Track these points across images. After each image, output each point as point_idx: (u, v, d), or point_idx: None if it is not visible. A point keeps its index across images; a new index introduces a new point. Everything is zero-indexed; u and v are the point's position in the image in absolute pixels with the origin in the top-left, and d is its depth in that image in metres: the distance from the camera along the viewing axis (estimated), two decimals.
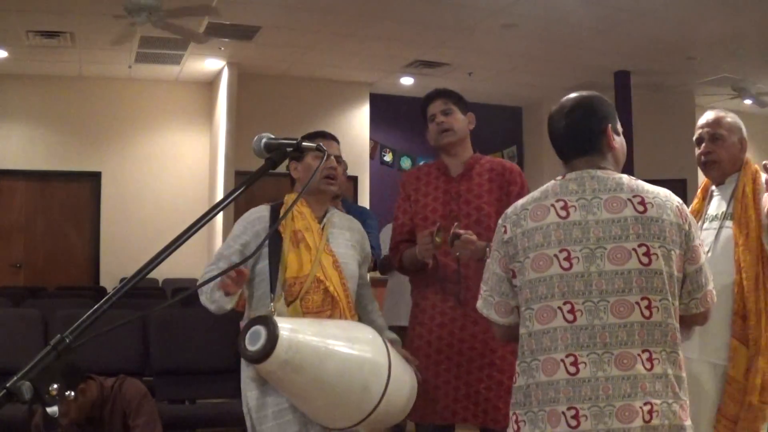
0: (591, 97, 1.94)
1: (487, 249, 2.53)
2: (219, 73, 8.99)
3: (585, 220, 1.69)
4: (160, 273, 8.24)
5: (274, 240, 2.39)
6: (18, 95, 8.84)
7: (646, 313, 1.64)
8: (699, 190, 2.72)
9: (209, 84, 9.52)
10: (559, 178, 1.82)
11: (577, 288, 1.66)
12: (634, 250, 1.66)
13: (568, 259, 1.68)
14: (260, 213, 2.50)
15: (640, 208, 1.69)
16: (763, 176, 2.45)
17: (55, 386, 1.04)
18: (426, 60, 8.58)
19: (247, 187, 1.52)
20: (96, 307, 1.15)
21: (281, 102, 9.16)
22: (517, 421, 1.71)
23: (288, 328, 1.96)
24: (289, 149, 1.56)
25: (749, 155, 2.66)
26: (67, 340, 1.07)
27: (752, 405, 2.30)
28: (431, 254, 2.62)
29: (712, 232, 2.53)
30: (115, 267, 8.68)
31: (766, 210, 2.33)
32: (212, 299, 2.27)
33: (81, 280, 8.85)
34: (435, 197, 2.79)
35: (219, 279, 2.16)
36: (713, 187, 2.66)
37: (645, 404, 1.60)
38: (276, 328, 1.92)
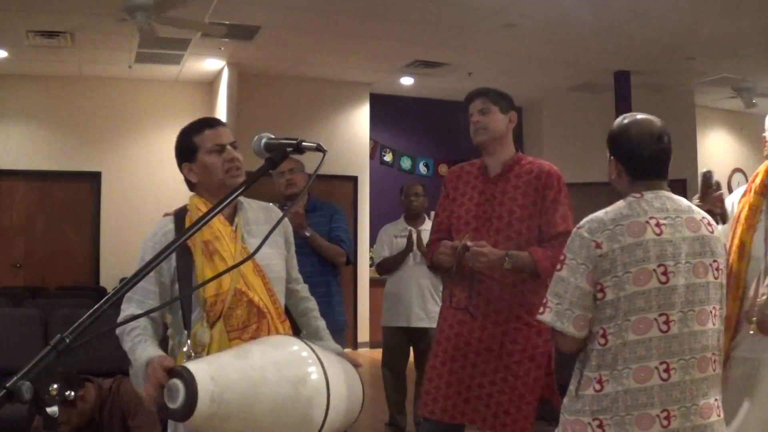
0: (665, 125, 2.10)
1: (507, 258, 2.53)
2: (219, 73, 8.99)
3: (674, 238, 1.87)
4: None
5: (183, 256, 2.05)
6: (18, 95, 8.84)
7: (716, 321, 1.90)
8: (757, 184, 2.57)
9: (209, 84, 9.52)
10: (638, 195, 1.93)
11: (672, 300, 1.83)
12: (711, 265, 1.90)
13: (665, 273, 1.84)
14: (165, 227, 2.16)
15: (710, 228, 1.95)
16: None
17: (55, 386, 1.04)
18: (426, 60, 8.58)
19: (247, 187, 1.53)
20: (96, 307, 1.15)
21: (281, 102, 9.16)
22: (601, 426, 1.82)
23: (207, 376, 1.71)
24: (289, 149, 1.56)
25: (749, 154, 2.65)
26: (67, 340, 1.08)
27: None
28: (450, 263, 2.62)
29: None
30: (115, 267, 8.67)
31: None
32: (134, 365, 1.94)
33: (81, 280, 8.85)
34: (471, 197, 2.79)
35: (145, 377, 1.84)
36: None
37: (715, 400, 1.87)
38: (194, 382, 1.67)
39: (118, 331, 1.97)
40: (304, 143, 1.56)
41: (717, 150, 10.65)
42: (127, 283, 1.27)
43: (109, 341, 4.31)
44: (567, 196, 2.76)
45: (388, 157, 10.23)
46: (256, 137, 1.61)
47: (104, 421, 3.36)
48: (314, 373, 1.87)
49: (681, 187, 9.34)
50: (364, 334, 9.47)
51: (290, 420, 1.83)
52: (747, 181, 2.66)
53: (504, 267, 2.57)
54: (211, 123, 2.25)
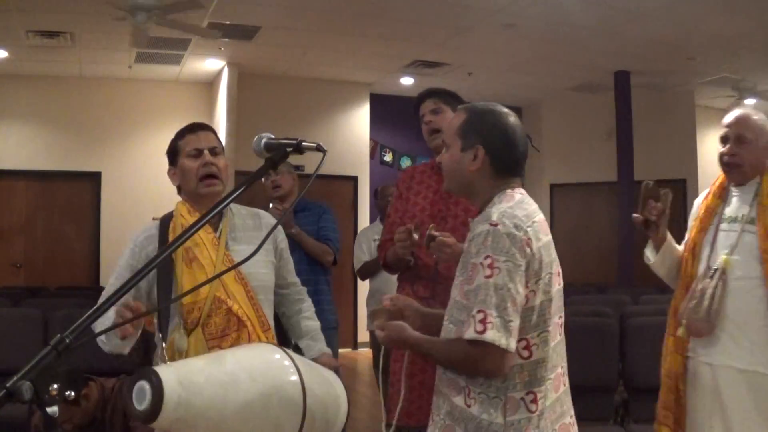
0: None
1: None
2: (219, 73, 8.99)
3: (549, 239, 1.75)
4: None
5: (164, 263, 2.01)
6: (18, 95, 8.84)
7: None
8: (715, 187, 2.61)
9: (209, 84, 9.52)
10: (522, 192, 1.76)
11: (560, 303, 1.74)
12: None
13: (559, 274, 1.74)
14: (149, 232, 2.16)
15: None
16: None
17: (55, 386, 1.04)
18: (426, 60, 8.58)
19: (247, 187, 1.52)
20: (96, 307, 1.15)
21: (281, 102, 9.17)
22: None
23: (175, 380, 1.68)
24: (289, 149, 1.56)
25: None
26: (67, 340, 1.07)
27: None
28: (408, 251, 2.58)
29: (732, 234, 2.44)
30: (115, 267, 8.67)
31: None
32: (109, 346, 1.97)
33: (81, 280, 8.85)
34: (425, 196, 2.76)
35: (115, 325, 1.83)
36: (732, 187, 2.56)
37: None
38: (161, 384, 1.65)
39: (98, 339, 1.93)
40: (304, 143, 1.56)
41: (717, 150, 10.63)
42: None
43: None
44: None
45: (388, 157, 10.23)
46: (256, 137, 1.61)
47: (106, 420, 3.36)
48: (290, 381, 1.81)
49: (681, 187, 9.34)
50: (364, 334, 9.46)
51: (262, 427, 1.79)
52: None
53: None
54: (193, 128, 2.23)
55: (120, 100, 9.20)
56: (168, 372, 1.70)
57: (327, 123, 9.51)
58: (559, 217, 10.32)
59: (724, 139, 2.54)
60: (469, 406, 1.65)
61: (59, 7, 6.59)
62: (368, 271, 4.96)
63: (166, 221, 2.17)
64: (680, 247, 2.63)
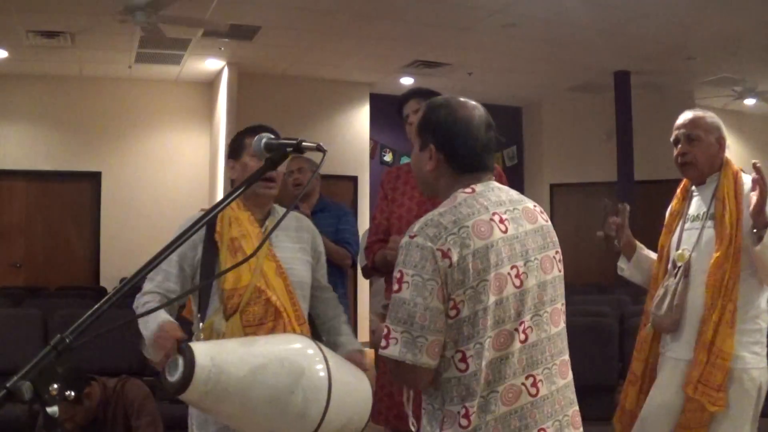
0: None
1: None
2: (219, 73, 8.99)
3: (518, 233, 1.62)
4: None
5: (209, 250, 2.19)
6: (18, 95, 8.84)
7: (564, 318, 1.69)
8: (678, 190, 2.73)
9: (209, 84, 9.52)
10: (469, 191, 1.64)
11: (528, 304, 1.59)
12: (554, 257, 1.69)
13: (518, 276, 1.59)
14: (194, 218, 2.15)
15: (544, 216, 1.72)
16: (746, 176, 2.44)
17: (55, 386, 1.04)
18: (426, 60, 8.58)
19: (247, 187, 1.53)
20: (96, 307, 1.15)
21: (281, 102, 9.16)
22: None
23: (208, 357, 1.76)
24: (289, 149, 1.56)
25: (749, 154, 2.65)
26: (67, 340, 1.08)
27: (690, 396, 2.38)
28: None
29: (695, 232, 2.54)
30: (115, 267, 8.68)
31: (751, 209, 2.30)
32: (146, 353, 2.06)
33: (81, 280, 8.85)
34: (411, 196, 2.75)
35: (154, 337, 1.98)
36: (693, 187, 2.66)
37: (574, 407, 1.67)
38: (193, 359, 1.73)
39: (135, 305, 2.12)
40: (304, 143, 1.56)
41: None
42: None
43: (113, 341, 4.33)
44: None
45: (388, 157, 10.24)
46: (257, 137, 1.62)
47: (108, 419, 3.37)
48: (317, 370, 1.88)
49: None
50: (364, 334, 9.46)
51: (286, 412, 1.84)
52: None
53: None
54: (260, 130, 2.33)
55: (120, 100, 9.20)
56: (201, 348, 1.80)
57: (327, 123, 9.51)
58: (559, 217, 10.31)
59: (675, 141, 2.63)
60: (422, 416, 1.64)
61: (59, 7, 6.59)
62: (369, 271, 4.95)
63: (212, 210, 2.27)
64: (654, 254, 2.72)
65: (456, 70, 8.85)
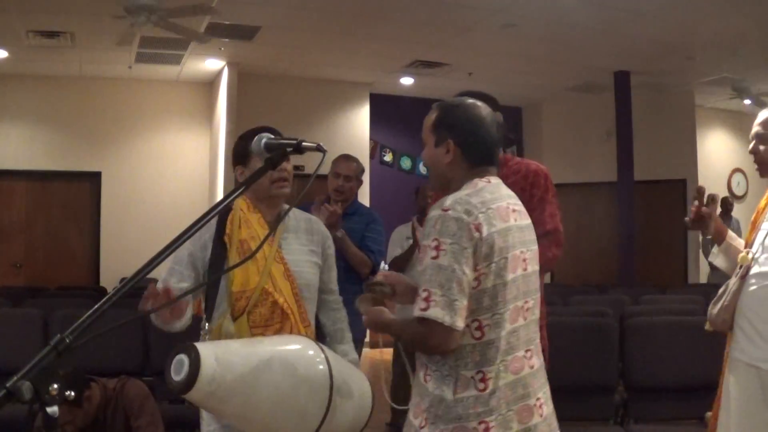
0: None
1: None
2: (219, 73, 8.99)
3: (522, 225, 1.83)
4: (160, 273, 8.23)
5: (218, 251, 2.23)
6: (18, 95, 8.84)
7: (538, 309, 1.91)
8: None
9: (209, 84, 9.52)
10: (486, 180, 1.84)
11: (530, 287, 1.82)
12: (535, 253, 1.89)
13: (525, 260, 1.81)
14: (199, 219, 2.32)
15: (525, 215, 1.90)
16: None
17: (55, 386, 1.03)
18: (426, 60, 8.58)
19: (247, 187, 1.53)
20: (96, 307, 1.14)
21: (281, 102, 9.16)
22: (487, 429, 1.68)
23: (213, 357, 1.79)
24: (289, 149, 1.56)
25: (749, 154, 2.62)
26: (67, 340, 1.07)
27: None
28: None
29: (763, 233, 2.43)
30: (115, 267, 8.68)
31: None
32: (157, 322, 2.18)
33: (81, 280, 8.85)
34: None
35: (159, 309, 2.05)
36: None
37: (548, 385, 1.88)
38: (198, 359, 1.75)
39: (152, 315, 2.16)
40: (303, 143, 1.57)
41: (717, 150, 10.63)
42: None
43: (113, 342, 4.32)
44: (555, 195, 2.74)
45: (388, 157, 10.24)
46: (257, 137, 1.62)
47: (108, 420, 3.37)
48: (319, 371, 1.92)
49: (681, 187, 9.32)
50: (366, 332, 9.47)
51: (289, 411, 1.88)
52: (747, 181, 2.66)
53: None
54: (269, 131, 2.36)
55: (120, 100, 9.20)
56: (207, 348, 1.84)
57: (327, 123, 9.51)
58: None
59: (751, 139, 2.55)
60: (426, 382, 1.75)
61: (59, 7, 6.59)
62: (398, 266, 5.06)
63: (224, 213, 2.30)
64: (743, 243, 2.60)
65: (456, 70, 8.85)
